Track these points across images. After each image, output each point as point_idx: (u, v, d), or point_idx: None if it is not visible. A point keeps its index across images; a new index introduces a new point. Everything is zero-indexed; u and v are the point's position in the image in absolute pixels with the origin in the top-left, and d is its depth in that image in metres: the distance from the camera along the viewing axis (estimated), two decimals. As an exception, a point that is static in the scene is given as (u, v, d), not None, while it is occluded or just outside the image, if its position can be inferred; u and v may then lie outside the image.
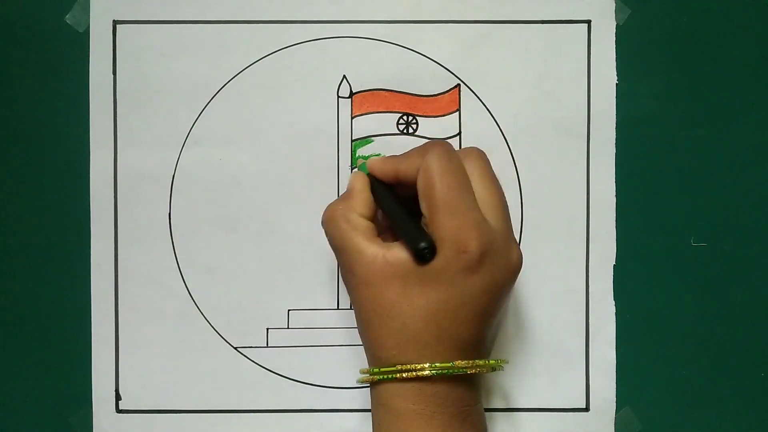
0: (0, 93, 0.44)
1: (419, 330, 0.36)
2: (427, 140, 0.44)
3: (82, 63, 0.44)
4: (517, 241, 0.44)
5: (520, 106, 0.44)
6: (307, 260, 0.44)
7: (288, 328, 0.44)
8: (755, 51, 0.44)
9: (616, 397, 0.44)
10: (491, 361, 0.37)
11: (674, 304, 0.44)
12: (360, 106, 0.44)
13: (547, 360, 0.44)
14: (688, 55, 0.44)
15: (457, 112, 0.44)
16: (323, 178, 0.44)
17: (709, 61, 0.44)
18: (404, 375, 0.36)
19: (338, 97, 0.44)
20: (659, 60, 0.44)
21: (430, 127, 0.44)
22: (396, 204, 0.38)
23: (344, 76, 0.44)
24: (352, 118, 0.44)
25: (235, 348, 0.44)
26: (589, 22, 0.44)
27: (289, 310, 0.44)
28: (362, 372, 0.38)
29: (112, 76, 0.44)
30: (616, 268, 0.44)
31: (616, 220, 0.44)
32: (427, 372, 0.35)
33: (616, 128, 0.44)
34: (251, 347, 0.44)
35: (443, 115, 0.44)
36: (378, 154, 0.44)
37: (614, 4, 0.44)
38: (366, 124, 0.44)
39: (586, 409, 0.44)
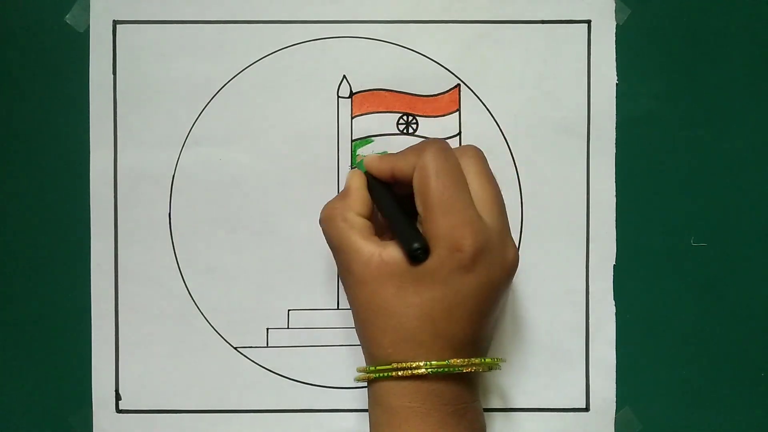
0: (0, 93, 0.44)
1: (414, 328, 0.36)
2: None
3: (82, 63, 0.44)
4: (517, 241, 0.44)
5: (520, 106, 0.44)
6: (307, 260, 0.44)
7: (288, 328, 0.44)
8: (755, 51, 0.44)
9: (616, 397, 0.44)
10: (488, 360, 0.37)
11: (674, 304, 0.44)
12: (360, 106, 0.44)
13: (547, 360, 0.44)
14: (688, 55, 0.44)
15: (457, 112, 0.44)
16: (323, 178, 0.44)
17: (709, 61, 0.44)
18: (400, 373, 0.36)
19: (338, 97, 0.44)
20: (659, 60, 0.44)
21: (430, 127, 0.44)
22: (392, 203, 0.38)
23: (344, 76, 0.44)
24: (352, 118, 0.44)
25: (235, 348, 0.44)
26: (589, 22, 0.44)
27: (289, 310, 0.44)
28: (359, 370, 0.38)
29: (112, 76, 0.44)
30: (616, 268, 0.44)
31: (616, 220, 0.44)
32: (422, 370, 0.35)
33: (616, 128, 0.44)
34: (251, 347, 0.44)
35: (443, 115, 0.44)
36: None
37: (614, 4, 0.44)
38: (366, 124, 0.44)
39: (586, 409, 0.44)
